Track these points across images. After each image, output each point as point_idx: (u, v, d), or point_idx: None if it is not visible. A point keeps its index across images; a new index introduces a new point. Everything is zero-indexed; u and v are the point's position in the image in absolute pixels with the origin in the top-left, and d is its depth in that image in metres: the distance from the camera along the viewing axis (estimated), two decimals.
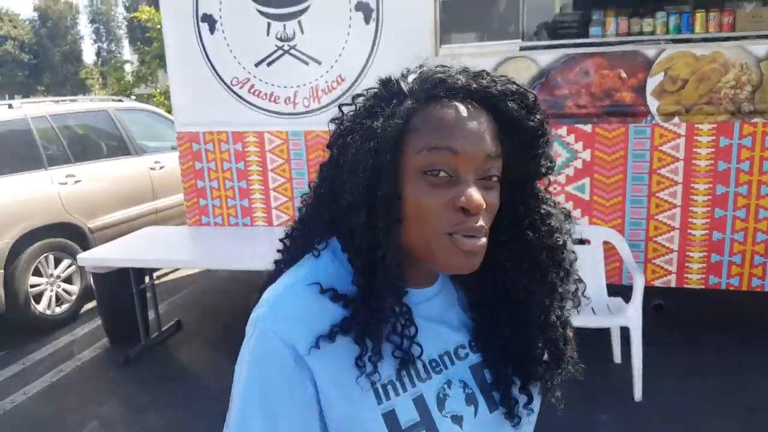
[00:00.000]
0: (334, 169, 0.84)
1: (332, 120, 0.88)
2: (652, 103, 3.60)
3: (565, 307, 0.93)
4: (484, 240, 0.79)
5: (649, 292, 3.65)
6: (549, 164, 0.86)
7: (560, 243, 0.88)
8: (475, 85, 0.79)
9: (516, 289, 0.89)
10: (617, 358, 3.79)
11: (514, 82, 0.81)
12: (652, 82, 3.58)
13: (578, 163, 3.80)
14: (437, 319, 0.89)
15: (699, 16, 3.66)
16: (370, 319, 0.78)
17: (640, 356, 3.37)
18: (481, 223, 0.78)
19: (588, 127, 3.73)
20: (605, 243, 3.76)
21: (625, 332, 3.55)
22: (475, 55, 3.93)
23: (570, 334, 0.95)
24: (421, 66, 0.85)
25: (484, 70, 0.82)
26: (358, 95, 0.86)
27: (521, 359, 0.90)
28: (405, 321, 0.81)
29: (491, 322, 0.91)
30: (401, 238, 0.80)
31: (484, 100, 0.79)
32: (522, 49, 3.81)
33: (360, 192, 0.78)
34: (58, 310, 5.20)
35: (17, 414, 3.81)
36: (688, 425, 3.19)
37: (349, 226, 0.80)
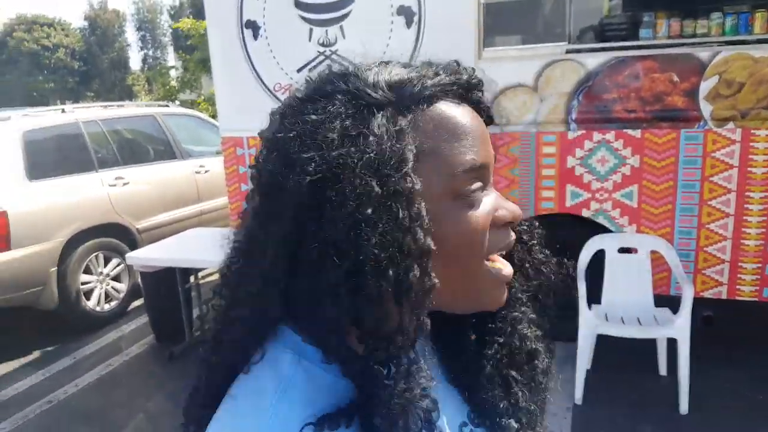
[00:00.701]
0: (296, 216, 0.59)
1: (261, 134, 0.66)
2: (705, 108, 3.51)
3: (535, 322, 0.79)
4: None
5: (698, 303, 3.54)
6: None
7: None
8: (463, 76, 0.67)
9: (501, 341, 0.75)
10: (663, 370, 3.72)
11: (464, 67, 0.70)
12: (706, 86, 3.48)
13: (626, 170, 3.72)
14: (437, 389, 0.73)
15: (759, 16, 3.53)
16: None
17: (687, 369, 3.29)
18: (513, 237, 0.69)
19: (637, 133, 3.66)
20: (653, 252, 3.68)
21: (671, 344, 3.48)
22: (520, 58, 3.89)
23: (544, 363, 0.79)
24: (378, 63, 0.67)
25: (453, 60, 0.70)
26: (291, 106, 0.64)
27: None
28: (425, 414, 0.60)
29: (472, 375, 0.75)
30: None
31: (467, 93, 0.68)
32: (568, 51, 3.74)
33: (383, 249, 0.56)
34: (107, 307, 5.36)
35: (69, 405, 3.94)
36: None
37: (367, 299, 0.56)
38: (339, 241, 0.56)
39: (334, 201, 0.57)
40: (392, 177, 0.57)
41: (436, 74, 0.65)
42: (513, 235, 0.68)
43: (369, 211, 0.56)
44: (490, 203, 0.65)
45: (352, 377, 0.59)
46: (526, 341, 0.76)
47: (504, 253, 0.68)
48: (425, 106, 0.63)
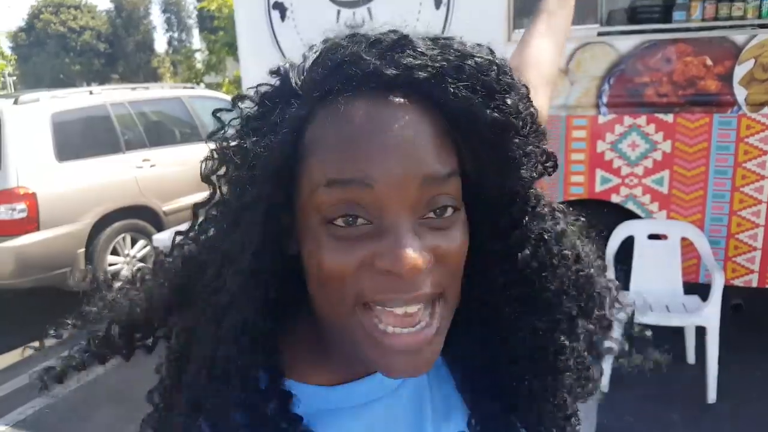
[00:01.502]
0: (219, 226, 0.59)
1: (210, 136, 0.59)
2: (740, 93, 3.43)
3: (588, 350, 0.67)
4: (436, 314, 0.53)
5: (728, 291, 3.50)
6: (543, 162, 0.58)
7: (584, 275, 0.62)
8: (390, 69, 0.50)
9: (523, 349, 0.63)
10: (691, 358, 3.68)
11: (460, 47, 0.53)
12: (741, 70, 3.40)
13: (657, 155, 3.66)
14: (417, 411, 0.63)
15: None
16: None
17: (716, 357, 3.26)
18: (422, 290, 0.51)
19: (669, 117, 3.59)
20: (683, 239, 3.63)
21: (700, 332, 3.45)
22: None
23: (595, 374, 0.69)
24: (327, 39, 0.56)
25: (407, 35, 0.52)
26: (242, 96, 0.57)
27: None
28: None
29: (488, 389, 0.66)
30: (313, 299, 0.56)
31: (410, 86, 0.51)
32: (600, 34, 3.68)
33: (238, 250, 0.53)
34: None
35: (98, 384, 3.99)
36: (763, 430, 3.07)
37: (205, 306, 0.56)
38: (210, 249, 0.59)
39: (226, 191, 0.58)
40: (256, 183, 0.52)
41: (365, 61, 0.50)
42: (409, 289, 0.50)
43: (226, 219, 0.57)
44: (377, 241, 0.50)
45: None
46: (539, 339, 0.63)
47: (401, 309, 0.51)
48: (332, 100, 0.51)
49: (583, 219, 0.67)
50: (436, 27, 3.88)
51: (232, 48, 12.99)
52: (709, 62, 3.45)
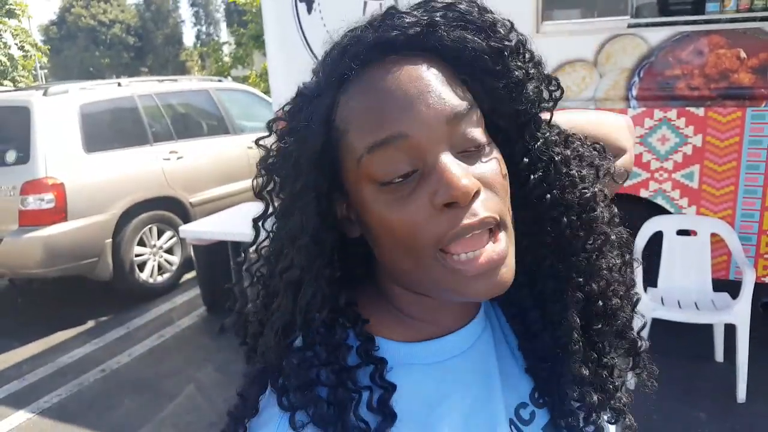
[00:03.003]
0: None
1: (257, 142, 0.65)
2: None
3: (627, 293, 0.68)
4: (501, 238, 0.56)
5: (759, 289, 3.43)
6: (548, 86, 0.62)
7: (587, 195, 0.63)
8: (392, 32, 0.55)
9: (543, 283, 0.66)
10: (719, 356, 3.62)
11: (442, 2, 0.58)
12: None
13: (687, 149, 3.58)
14: (484, 373, 0.65)
15: None
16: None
17: (746, 355, 3.19)
18: (482, 214, 0.54)
19: (700, 111, 3.51)
20: (713, 235, 3.55)
21: (729, 330, 3.38)
22: (580, 32, 3.76)
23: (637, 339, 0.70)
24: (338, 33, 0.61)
25: (392, 6, 0.59)
26: (276, 120, 0.63)
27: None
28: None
29: (538, 342, 0.68)
30: (386, 266, 0.61)
31: (409, 44, 0.56)
32: (630, 26, 3.60)
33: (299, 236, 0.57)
34: (159, 279, 5.48)
35: (122, 374, 4.06)
36: None
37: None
38: (276, 240, 0.61)
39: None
40: (301, 174, 0.57)
41: (364, 37, 0.56)
42: (473, 215, 0.53)
43: (281, 210, 0.59)
44: (428, 182, 0.53)
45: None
46: (609, 301, 0.66)
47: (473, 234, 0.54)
48: (347, 78, 0.56)
49: (599, 145, 0.70)
50: None
51: (259, 41, 13.04)
52: (743, 54, 3.36)
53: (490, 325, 0.69)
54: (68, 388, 3.90)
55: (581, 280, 0.64)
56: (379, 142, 0.53)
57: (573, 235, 0.63)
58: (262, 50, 12.79)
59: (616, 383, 0.70)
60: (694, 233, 3.60)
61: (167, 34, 42.35)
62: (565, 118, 0.71)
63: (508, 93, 0.59)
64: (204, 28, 46.51)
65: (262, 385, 0.60)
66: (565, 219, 0.62)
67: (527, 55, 0.60)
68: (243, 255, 4.63)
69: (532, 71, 0.59)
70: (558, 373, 0.66)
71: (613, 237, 0.67)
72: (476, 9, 0.58)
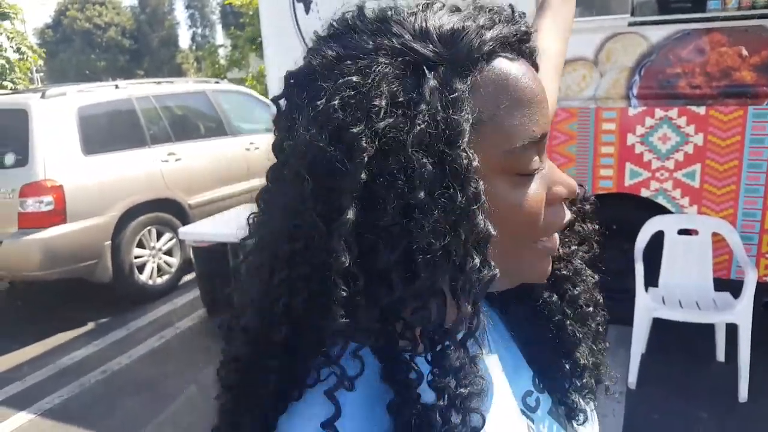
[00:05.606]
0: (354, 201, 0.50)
1: (275, 121, 0.59)
2: None
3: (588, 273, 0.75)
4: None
5: (761, 288, 3.41)
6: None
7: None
8: (521, 25, 0.58)
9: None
10: (721, 356, 3.62)
11: (520, 14, 0.60)
12: None
13: (689, 148, 3.58)
14: (493, 368, 0.67)
15: None
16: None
17: (748, 355, 3.20)
18: (569, 215, 0.63)
19: (701, 110, 3.50)
20: (714, 234, 3.55)
21: (730, 330, 3.38)
22: (580, 31, 3.75)
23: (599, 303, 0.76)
24: (405, 13, 0.55)
25: (511, 5, 0.60)
26: (325, 65, 0.53)
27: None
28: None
29: (532, 329, 0.73)
30: None
31: (521, 51, 0.58)
32: (631, 24, 3.60)
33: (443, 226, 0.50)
34: (159, 280, 5.48)
35: (122, 375, 4.05)
36: None
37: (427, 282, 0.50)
38: (389, 229, 0.49)
39: (383, 182, 0.49)
40: (447, 153, 0.50)
41: (493, 23, 0.55)
42: (569, 214, 0.61)
43: (421, 194, 0.48)
44: (547, 179, 0.59)
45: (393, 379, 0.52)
46: (586, 295, 0.73)
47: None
48: (484, 63, 0.54)
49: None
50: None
51: (255, 43, 13.04)
52: (744, 53, 3.36)
53: (491, 315, 0.72)
54: (69, 390, 3.89)
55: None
56: (538, 138, 0.56)
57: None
58: (258, 53, 12.79)
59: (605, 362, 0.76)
60: (696, 233, 3.59)
61: (163, 36, 42.29)
62: None
63: None
64: (200, 30, 46.46)
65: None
66: None
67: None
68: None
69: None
70: (557, 361, 0.71)
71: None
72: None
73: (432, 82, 0.50)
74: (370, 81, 0.50)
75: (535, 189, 0.57)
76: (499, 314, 0.73)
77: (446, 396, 0.50)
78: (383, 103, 0.49)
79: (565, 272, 0.72)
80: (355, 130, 0.49)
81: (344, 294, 0.49)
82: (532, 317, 0.72)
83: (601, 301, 0.76)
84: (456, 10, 0.56)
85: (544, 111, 0.57)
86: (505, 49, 0.55)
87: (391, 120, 0.49)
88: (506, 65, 0.54)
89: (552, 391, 0.71)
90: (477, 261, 0.50)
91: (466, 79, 0.52)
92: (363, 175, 0.49)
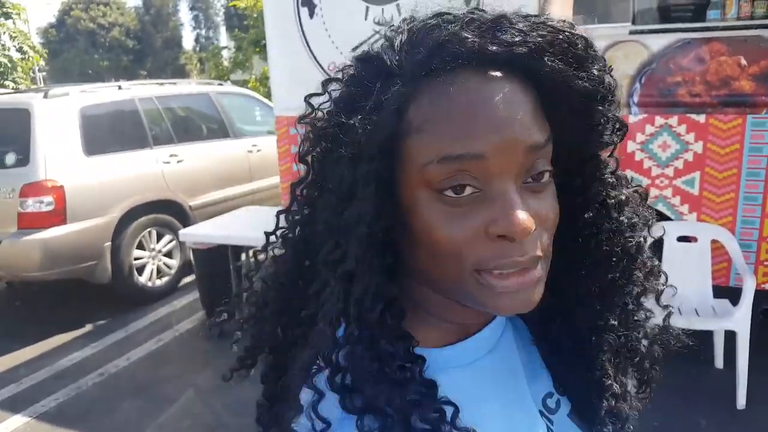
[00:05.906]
0: (314, 196, 0.62)
1: (301, 119, 0.63)
2: None
3: (646, 321, 0.73)
4: (538, 270, 0.56)
5: (759, 296, 3.42)
6: (617, 129, 0.61)
7: (635, 244, 0.66)
8: (492, 46, 0.52)
9: (581, 312, 0.69)
10: (719, 362, 3.61)
11: (549, 22, 0.55)
12: None
13: (688, 156, 3.59)
14: (512, 370, 0.67)
15: None
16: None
17: (746, 362, 3.20)
18: (532, 253, 0.54)
19: (701, 118, 3.52)
20: (713, 242, 3.55)
21: (729, 336, 3.39)
22: None
23: (657, 352, 0.76)
24: (410, 19, 0.60)
25: (504, 14, 0.56)
26: (332, 79, 0.61)
27: (601, 392, 0.71)
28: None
29: (561, 351, 0.71)
30: (417, 268, 0.59)
31: (510, 62, 0.53)
32: (632, 32, 3.61)
33: (339, 224, 0.55)
34: (158, 282, 5.48)
35: (120, 377, 4.04)
36: None
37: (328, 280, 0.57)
38: (325, 224, 0.57)
39: (319, 167, 0.60)
40: (364, 159, 0.54)
41: (464, 39, 0.52)
42: (521, 253, 0.53)
43: (336, 195, 0.55)
44: (487, 207, 0.53)
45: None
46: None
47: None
48: (435, 78, 0.53)
49: (642, 188, 0.70)
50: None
51: (258, 46, 13.04)
52: (743, 62, 3.37)
53: (514, 321, 0.71)
54: (66, 392, 3.89)
55: (610, 317, 0.68)
56: (455, 156, 0.52)
57: (612, 282, 0.67)
58: (261, 55, 12.78)
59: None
60: (695, 240, 3.60)
61: (167, 37, 42.36)
62: None
63: (584, 133, 0.60)
64: (203, 32, 46.53)
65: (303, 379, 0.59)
66: (606, 264, 0.66)
67: (613, 101, 0.59)
68: (243, 258, 4.58)
69: (610, 115, 0.59)
70: (578, 371, 0.70)
71: (647, 285, 0.70)
72: (583, 42, 0.56)
73: (378, 89, 0.54)
74: (352, 82, 0.58)
75: (457, 215, 0.53)
76: (525, 322, 0.74)
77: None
78: (343, 104, 0.57)
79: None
80: (318, 126, 0.59)
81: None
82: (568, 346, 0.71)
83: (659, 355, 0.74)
84: (453, 21, 0.55)
85: (499, 130, 0.52)
86: (466, 62, 0.53)
87: (341, 120, 0.55)
88: (456, 79, 0.53)
89: (572, 396, 0.72)
90: (354, 262, 0.55)
91: (409, 88, 0.54)
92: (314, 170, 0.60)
